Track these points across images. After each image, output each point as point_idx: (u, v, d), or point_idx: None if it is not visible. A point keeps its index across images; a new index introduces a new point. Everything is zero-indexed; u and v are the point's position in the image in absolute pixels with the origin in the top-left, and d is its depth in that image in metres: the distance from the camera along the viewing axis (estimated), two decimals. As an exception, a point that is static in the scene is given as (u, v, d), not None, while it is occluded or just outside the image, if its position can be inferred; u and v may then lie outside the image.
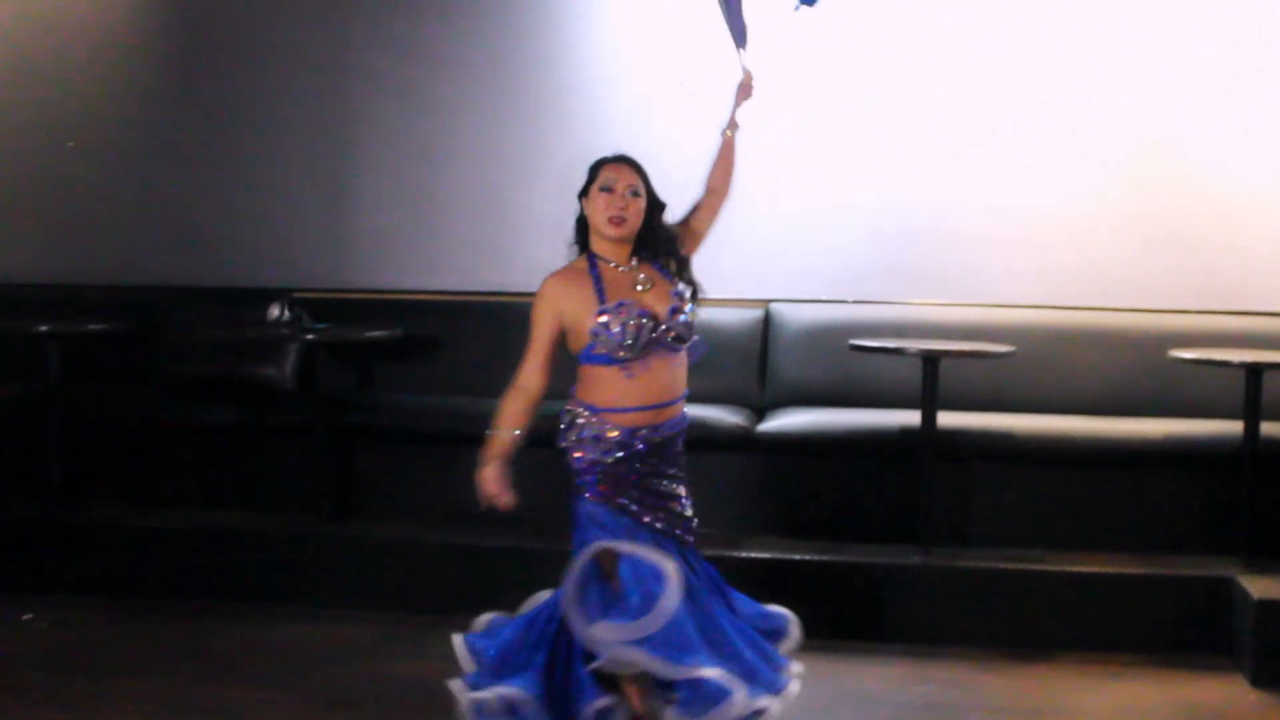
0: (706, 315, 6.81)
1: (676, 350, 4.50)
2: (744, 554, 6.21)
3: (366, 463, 6.98)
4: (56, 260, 7.78)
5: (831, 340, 6.92)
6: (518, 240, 7.18)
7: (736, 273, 7.11)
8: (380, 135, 7.61)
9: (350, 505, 6.90)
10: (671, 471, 4.54)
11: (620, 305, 4.44)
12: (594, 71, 7.49)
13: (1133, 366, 6.87)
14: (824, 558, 6.22)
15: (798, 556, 6.22)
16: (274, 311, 7.22)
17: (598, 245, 4.56)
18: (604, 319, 4.44)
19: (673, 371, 4.52)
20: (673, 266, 4.63)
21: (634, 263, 4.57)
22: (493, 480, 4.47)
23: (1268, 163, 7.04)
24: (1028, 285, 7.12)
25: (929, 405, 6.23)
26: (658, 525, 4.48)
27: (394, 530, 6.67)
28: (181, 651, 5.86)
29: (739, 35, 4.86)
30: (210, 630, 6.13)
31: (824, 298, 7.16)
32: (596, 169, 4.61)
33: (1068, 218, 7.15)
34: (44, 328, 6.84)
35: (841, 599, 6.12)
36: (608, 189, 4.51)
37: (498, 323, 7.01)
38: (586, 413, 4.49)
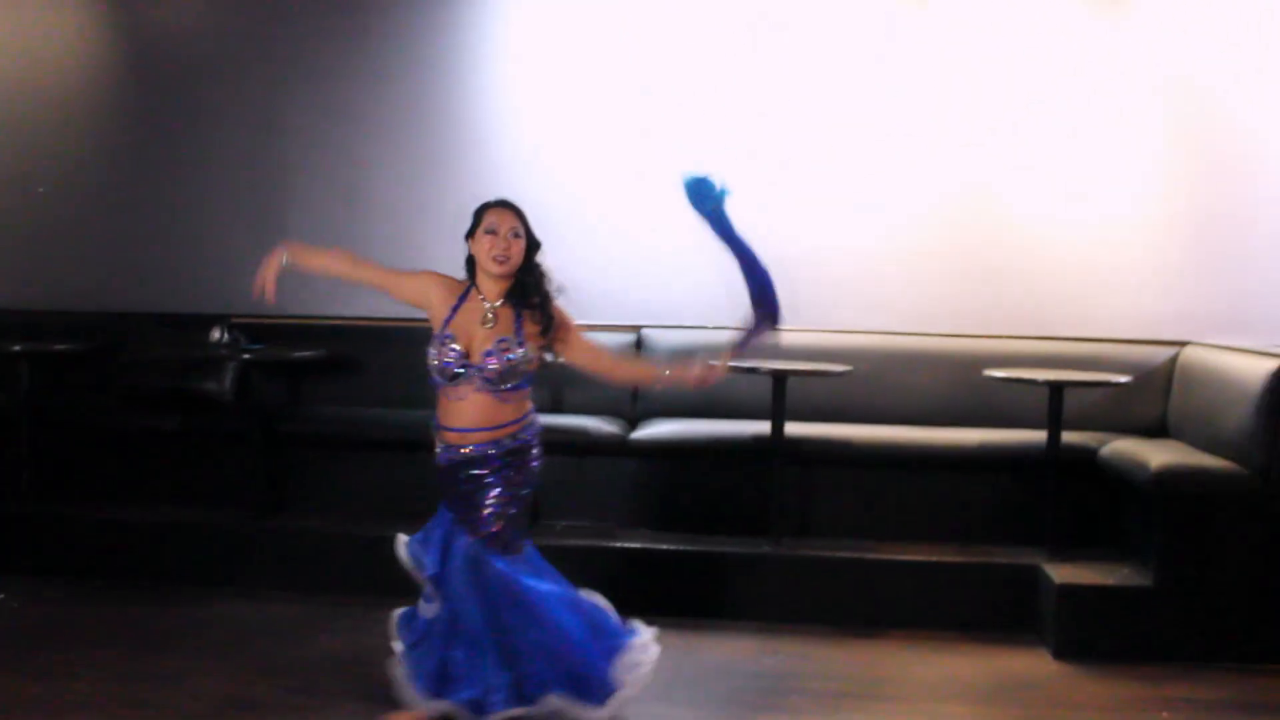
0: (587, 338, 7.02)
1: (490, 387, 4.49)
2: (618, 544, 6.41)
3: (294, 465, 7.07)
4: (29, 289, 7.92)
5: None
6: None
7: (614, 301, 7.37)
8: (309, 183, 7.79)
9: (280, 502, 7.01)
10: (487, 483, 4.56)
11: (445, 337, 4.54)
12: (489, 127, 7.67)
13: (952, 383, 7.07)
14: (687, 547, 6.41)
15: (665, 546, 6.41)
16: (215, 334, 7.42)
17: (480, 279, 4.60)
18: (432, 342, 4.57)
19: (487, 403, 4.52)
20: (535, 303, 4.60)
21: (499, 302, 4.60)
22: (271, 273, 4.60)
23: (1068, 210, 7.29)
24: (863, 314, 7.34)
25: (778, 416, 6.37)
26: (461, 522, 4.59)
27: (318, 524, 6.79)
28: (133, 626, 5.97)
29: (743, 343, 4.65)
30: (158, 609, 6.25)
31: (689, 324, 7.33)
32: (481, 213, 4.62)
33: (897, 256, 7.38)
34: (16, 347, 6.94)
35: (701, 582, 6.30)
36: (492, 231, 4.55)
37: (406, 345, 6.75)
38: (433, 424, 4.65)
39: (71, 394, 7.45)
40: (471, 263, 4.68)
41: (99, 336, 7.46)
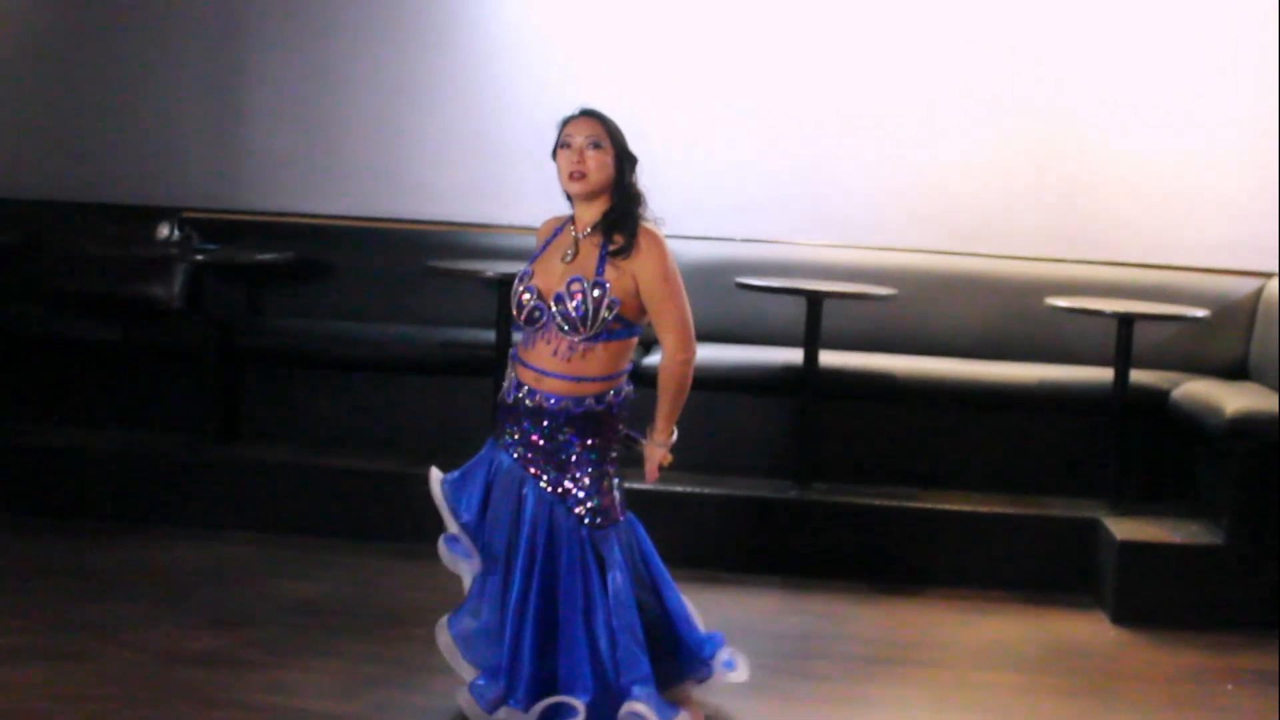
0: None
1: (565, 333, 4.25)
2: (625, 484, 6.23)
3: (253, 386, 6.87)
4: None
5: (718, 278, 6.81)
6: (411, 167, 7.13)
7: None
8: (276, 57, 7.45)
9: (235, 428, 6.81)
10: (563, 440, 4.28)
11: (524, 274, 4.39)
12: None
13: (1010, 312, 6.92)
14: (704, 490, 6.21)
15: (678, 488, 6.12)
16: (164, 230, 7.14)
17: (575, 207, 4.42)
18: (518, 277, 4.42)
19: (553, 350, 4.27)
20: (622, 233, 4.30)
21: (588, 230, 4.35)
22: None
23: (1140, 123, 7.06)
24: (911, 230, 7.14)
25: (811, 344, 6.23)
26: (542, 480, 4.32)
27: (277, 453, 6.61)
28: (64, 570, 5.76)
29: None
30: (92, 550, 6.03)
31: (711, 235, 7.07)
32: (560, 127, 4.43)
33: (951, 168, 7.16)
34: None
35: (720, 531, 6.16)
36: (566, 145, 4.36)
37: (388, 249, 7.07)
38: (511, 353, 4.45)
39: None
40: None
41: (23, 229, 7.17)
